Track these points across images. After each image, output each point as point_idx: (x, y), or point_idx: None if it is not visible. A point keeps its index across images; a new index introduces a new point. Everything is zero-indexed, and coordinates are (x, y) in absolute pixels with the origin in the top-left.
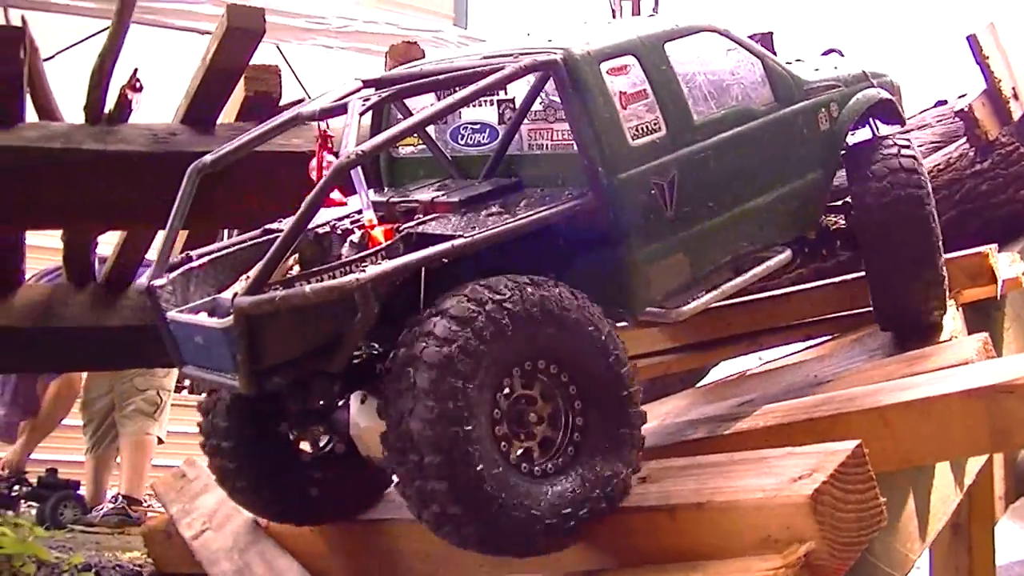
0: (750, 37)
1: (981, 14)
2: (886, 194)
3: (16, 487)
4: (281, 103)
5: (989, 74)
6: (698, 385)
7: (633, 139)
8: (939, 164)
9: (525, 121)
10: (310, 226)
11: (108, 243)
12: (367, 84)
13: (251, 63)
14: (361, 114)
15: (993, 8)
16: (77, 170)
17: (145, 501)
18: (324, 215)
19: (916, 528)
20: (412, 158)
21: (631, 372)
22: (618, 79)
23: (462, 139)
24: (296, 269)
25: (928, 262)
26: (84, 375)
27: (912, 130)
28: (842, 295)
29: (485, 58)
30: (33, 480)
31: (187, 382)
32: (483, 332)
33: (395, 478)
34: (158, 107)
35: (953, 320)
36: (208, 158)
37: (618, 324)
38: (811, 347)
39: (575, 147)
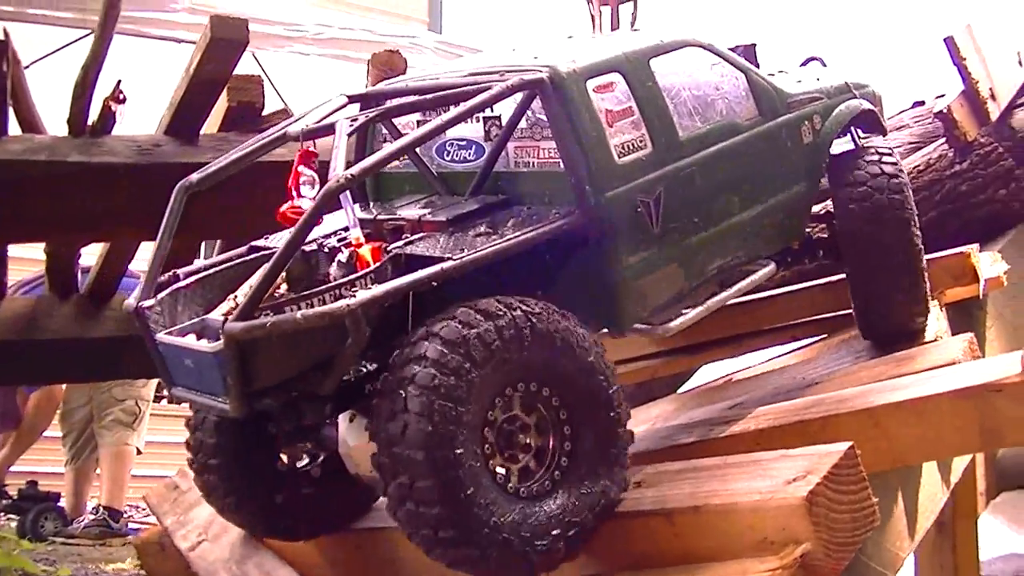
0: (732, 49)
1: (957, 15)
2: (868, 202)
3: None
4: (263, 113)
5: (967, 75)
6: (683, 389)
7: (619, 157)
8: (919, 165)
9: (511, 138)
10: None
11: (91, 253)
12: (352, 100)
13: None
14: (349, 135)
15: (968, 9)
16: (62, 183)
17: (125, 512)
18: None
19: (905, 527)
20: (398, 173)
21: (619, 392)
22: (604, 96)
23: (448, 155)
24: (283, 287)
25: (910, 270)
26: (64, 386)
27: (890, 131)
28: (827, 297)
29: (471, 75)
30: (13, 492)
31: (166, 392)
32: (474, 355)
33: (385, 499)
34: (137, 117)
35: (937, 320)
36: (195, 176)
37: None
38: (797, 349)
39: (561, 165)
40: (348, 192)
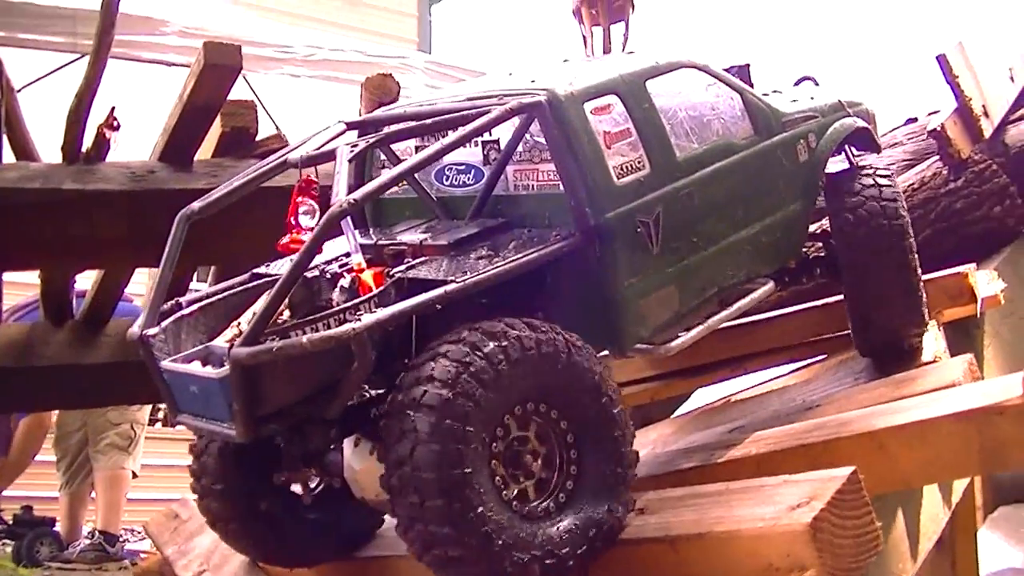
0: (727, 69)
1: (949, 33)
2: (864, 221)
3: None
4: (257, 138)
5: (960, 93)
6: (680, 411)
7: (618, 178)
8: (913, 183)
9: (510, 162)
10: None
11: (86, 279)
12: (351, 126)
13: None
14: (350, 161)
15: (959, 26)
16: (57, 210)
17: (121, 536)
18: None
19: (907, 548)
20: (397, 198)
21: (624, 412)
22: (602, 118)
23: (447, 180)
24: (286, 314)
25: (907, 286)
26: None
27: (884, 148)
28: (825, 317)
29: (469, 100)
30: (8, 518)
31: (161, 415)
32: (481, 376)
33: (394, 520)
34: (128, 139)
35: (936, 340)
36: (196, 205)
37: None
38: (796, 370)
39: (561, 187)
40: (349, 218)
